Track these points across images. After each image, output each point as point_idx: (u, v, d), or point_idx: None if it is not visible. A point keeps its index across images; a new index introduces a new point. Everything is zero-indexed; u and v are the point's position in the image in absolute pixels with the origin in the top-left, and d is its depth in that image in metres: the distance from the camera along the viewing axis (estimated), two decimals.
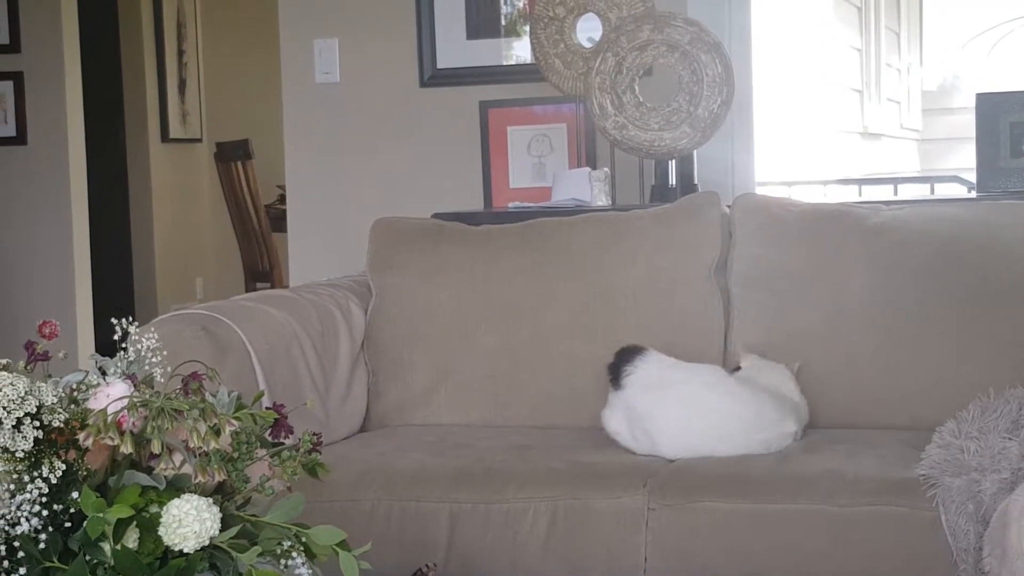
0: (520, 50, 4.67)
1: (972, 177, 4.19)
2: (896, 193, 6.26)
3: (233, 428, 2.07)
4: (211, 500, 2.01)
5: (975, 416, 2.89)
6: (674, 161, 4.10)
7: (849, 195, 6.81)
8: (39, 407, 2.03)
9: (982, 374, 3.11)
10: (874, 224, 3.41)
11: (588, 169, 4.18)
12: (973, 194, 4.31)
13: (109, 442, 2.01)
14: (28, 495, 1.98)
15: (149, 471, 2.04)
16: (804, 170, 8.49)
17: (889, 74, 11.47)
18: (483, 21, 4.70)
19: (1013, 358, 3.17)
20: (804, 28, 9.22)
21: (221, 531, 2.00)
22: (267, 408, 2.18)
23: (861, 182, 7.41)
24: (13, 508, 1.98)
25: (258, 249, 7.74)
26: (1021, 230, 3.32)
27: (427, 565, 2.79)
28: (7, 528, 1.98)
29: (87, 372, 2.17)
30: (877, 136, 11.13)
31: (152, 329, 2.28)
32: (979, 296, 3.25)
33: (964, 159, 8.03)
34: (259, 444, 2.14)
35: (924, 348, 3.18)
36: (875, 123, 10.97)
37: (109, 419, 2.01)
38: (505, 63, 4.70)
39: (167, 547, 1.98)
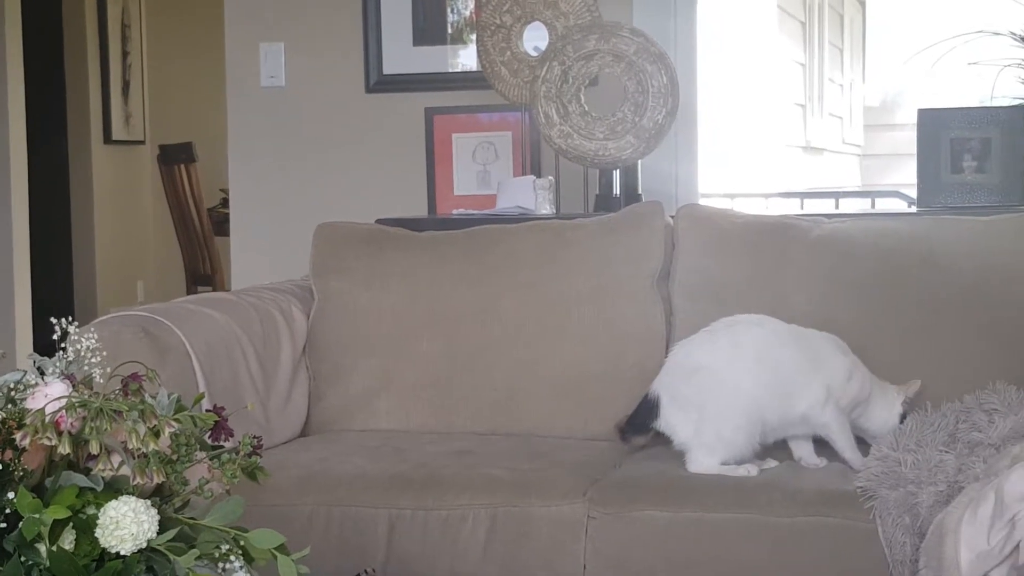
0: (466, 57, 4.67)
1: (913, 193, 4.23)
2: (837, 207, 6.30)
3: (172, 430, 2.06)
4: (149, 502, 1.99)
5: (913, 429, 2.91)
6: (618, 171, 4.11)
7: (791, 208, 6.85)
8: None
9: (921, 387, 3.13)
10: (816, 237, 3.44)
11: (533, 177, 4.18)
12: (914, 209, 4.34)
13: (46, 442, 1.99)
14: None
15: (87, 472, 2.02)
16: (747, 182, 8.54)
17: (832, 89, 11.56)
18: (429, 28, 4.70)
19: (951, 371, 3.20)
20: (748, 42, 9.28)
21: (159, 533, 1.98)
22: (207, 410, 2.17)
23: (803, 195, 7.44)
24: None
25: (200, 252, 7.70)
26: (961, 244, 3.35)
27: (366, 571, 2.79)
28: None
29: (25, 372, 2.15)
30: (819, 151, 11.21)
31: (92, 329, 2.27)
32: (919, 309, 3.28)
33: (905, 175, 8.08)
34: (199, 446, 2.13)
35: (863, 360, 3.19)
36: (817, 138, 11.05)
37: (47, 419, 2.00)
38: (451, 70, 4.69)
39: (104, 549, 1.97)
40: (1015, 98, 4.22)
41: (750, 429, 2.95)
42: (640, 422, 3.07)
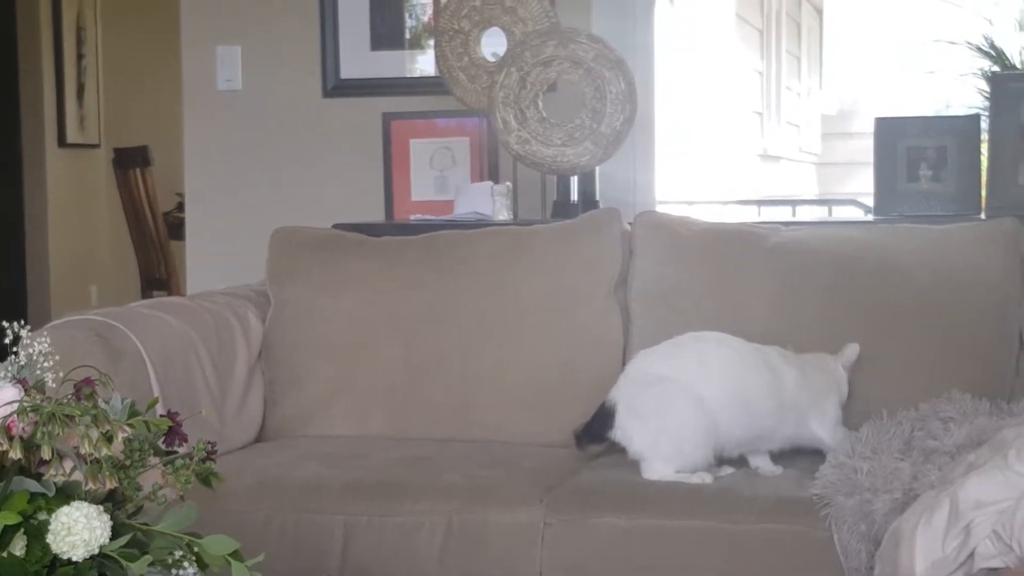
0: (424, 63, 4.66)
1: (870, 201, 4.25)
2: (794, 215, 6.33)
3: (126, 435, 2.04)
4: (102, 508, 1.98)
5: (868, 436, 2.92)
6: (576, 177, 4.11)
7: (748, 215, 6.88)
8: None
9: (877, 395, 3.15)
10: (773, 244, 3.44)
11: (490, 183, 4.18)
12: (870, 217, 4.36)
13: None
14: None
15: (38, 477, 2.00)
16: (705, 190, 8.57)
17: (789, 97, 11.62)
18: (387, 32, 4.69)
19: (907, 379, 3.21)
20: (706, 49, 9.31)
21: (111, 539, 1.96)
22: (161, 415, 2.15)
23: (760, 203, 7.49)
24: None
25: (155, 257, 7.66)
26: (917, 253, 3.36)
27: None
28: None
29: None
30: (776, 158, 11.26)
31: (45, 333, 2.25)
32: (876, 317, 3.29)
33: (862, 184, 8.15)
34: (152, 452, 2.11)
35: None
36: (775, 145, 11.10)
37: None
38: (409, 75, 4.68)
39: (55, 555, 1.95)
40: (971, 107, 4.25)
41: (708, 442, 2.95)
42: (595, 431, 3.06)
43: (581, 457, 3.13)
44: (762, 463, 3.02)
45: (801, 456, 3.05)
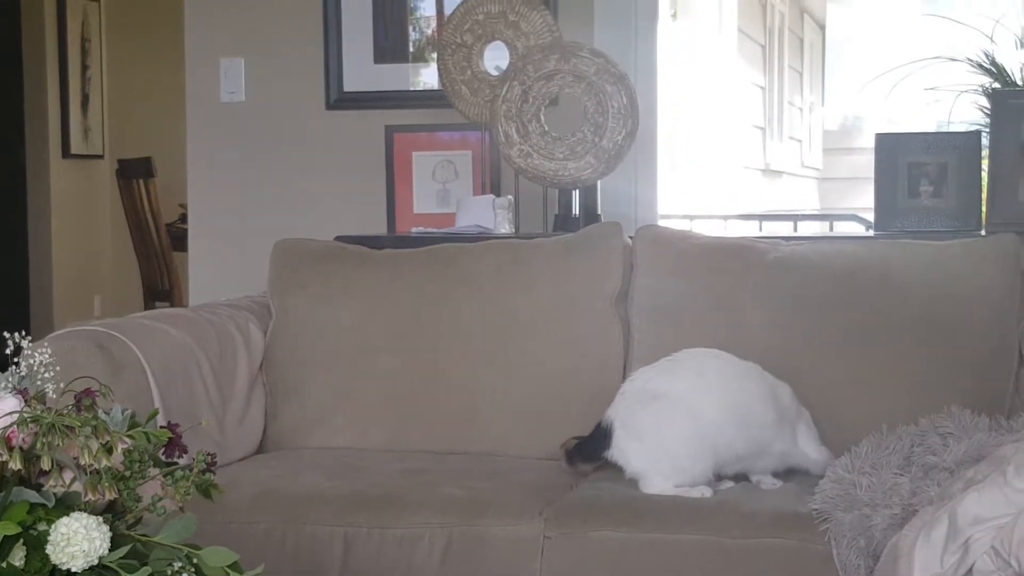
0: (427, 76, 4.67)
1: (870, 216, 4.25)
2: (796, 229, 6.32)
3: (125, 446, 2.04)
4: (101, 519, 1.98)
5: (868, 452, 2.92)
6: (578, 191, 4.12)
7: (750, 230, 6.88)
8: None
9: (877, 410, 3.15)
10: (774, 259, 3.45)
11: (492, 196, 4.18)
12: (871, 233, 4.36)
13: None
14: None
15: (38, 488, 2.01)
16: (706, 204, 8.58)
17: (791, 113, 11.63)
18: (391, 45, 4.70)
19: (907, 394, 3.21)
20: (708, 64, 9.32)
21: (111, 550, 1.97)
22: (161, 427, 2.16)
23: (762, 218, 7.49)
24: None
25: (158, 268, 7.67)
26: (917, 268, 3.37)
27: None
28: None
29: None
30: (778, 173, 11.27)
31: (45, 344, 2.25)
32: (875, 332, 3.29)
33: (863, 199, 8.15)
34: (152, 463, 2.11)
35: (820, 383, 3.21)
36: (777, 160, 11.11)
37: None
38: (412, 88, 4.69)
39: (55, 566, 1.95)
40: (972, 124, 4.25)
41: (707, 457, 2.95)
42: (591, 451, 3.06)
43: (577, 473, 3.13)
44: (763, 476, 3.03)
45: (800, 472, 3.05)
